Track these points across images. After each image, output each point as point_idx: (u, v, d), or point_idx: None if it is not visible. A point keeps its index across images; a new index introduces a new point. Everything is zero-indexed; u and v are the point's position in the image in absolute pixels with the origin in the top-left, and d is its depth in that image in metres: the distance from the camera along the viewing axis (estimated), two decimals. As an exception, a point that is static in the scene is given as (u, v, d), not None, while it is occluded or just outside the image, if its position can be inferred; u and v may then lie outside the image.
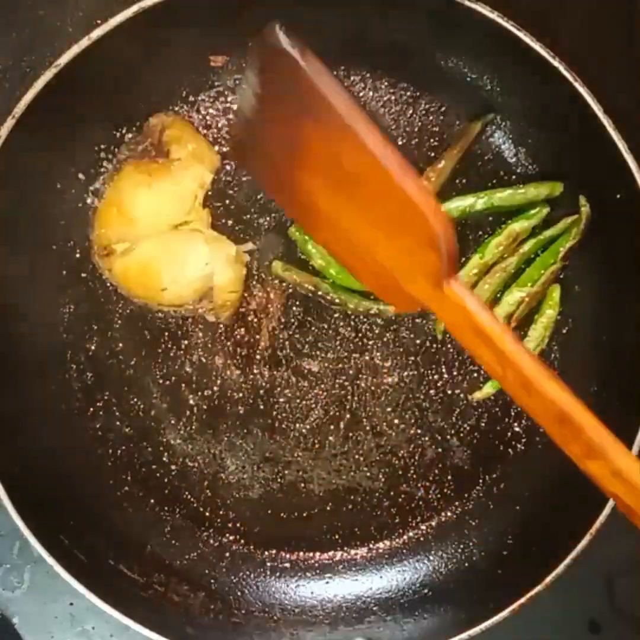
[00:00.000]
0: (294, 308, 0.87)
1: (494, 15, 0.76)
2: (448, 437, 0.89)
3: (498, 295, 0.87)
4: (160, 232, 0.82)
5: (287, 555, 0.89)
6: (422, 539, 0.89)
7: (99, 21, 0.75)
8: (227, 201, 0.86)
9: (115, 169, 0.83)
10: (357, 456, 0.89)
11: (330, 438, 0.88)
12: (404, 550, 0.89)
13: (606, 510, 0.78)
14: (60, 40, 0.76)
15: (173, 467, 0.88)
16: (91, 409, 0.87)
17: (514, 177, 0.87)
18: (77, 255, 0.86)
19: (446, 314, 0.65)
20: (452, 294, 0.64)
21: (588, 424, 0.60)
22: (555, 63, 0.76)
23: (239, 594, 0.88)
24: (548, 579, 0.78)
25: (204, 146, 0.84)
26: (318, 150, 0.66)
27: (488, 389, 0.88)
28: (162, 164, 0.82)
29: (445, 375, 0.88)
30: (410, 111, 0.87)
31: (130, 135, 0.84)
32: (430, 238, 0.63)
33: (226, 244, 0.84)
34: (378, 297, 0.75)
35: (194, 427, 0.88)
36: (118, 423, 0.88)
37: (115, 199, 0.82)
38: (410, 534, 0.89)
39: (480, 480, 0.89)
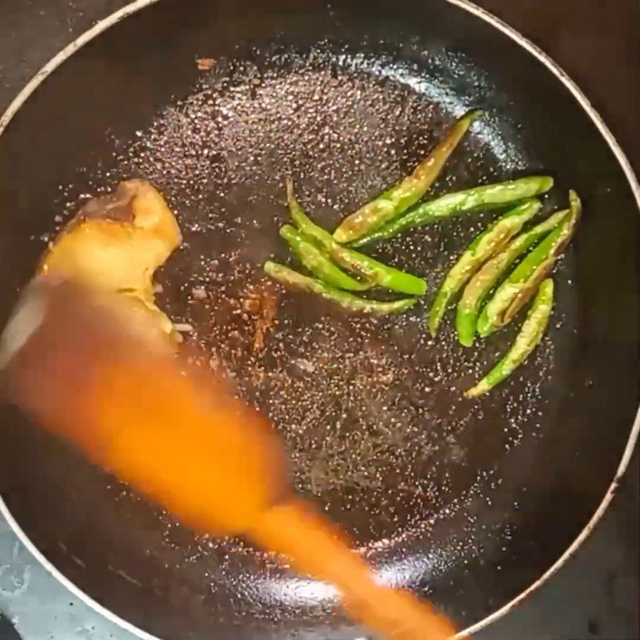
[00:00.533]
0: (288, 309, 0.87)
1: (479, 12, 0.76)
2: (444, 434, 0.89)
3: (491, 291, 0.87)
4: (103, 291, 0.81)
5: (287, 556, 0.89)
6: (421, 537, 0.89)
7: (99, 21, 0.75)
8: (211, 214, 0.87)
9: (79, 219, 0.83)
10: (354, 456, 0.89)
11: (327, 438, 0.88)
12: (403, 549, 0.89)
13: (604, 504, 0.79)
14: (60, 40, 0.76)
15: (171, 470, 0.88)
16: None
17: (503, 173, 0.87)
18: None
19: (273, 533, 0.68)
20: (275, 518, 0.67)
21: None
22: (542, 58, 0.77)
23: (238, 596, 0.88)
24: (547, 574, 0.79)
25: (169, 223, 0.85)
26: (120, 386, 0.64)
27: (483, 386, 0.88)
28: (124, 228, 0.83)
29: (440, 373, 0.88)
30: (399, 109, 0.87)
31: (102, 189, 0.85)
32: (259, 468, 0.67)
33: (163, 320, 0.84)
34: (191, 524, 0.75)
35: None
36: (115, 428, 0.88)
37: (70, 246, 0.82)
38: (409, 532, 0.89)
39: (478, 477, 0.89)
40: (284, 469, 0.69)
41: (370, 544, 0.89)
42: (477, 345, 0.88)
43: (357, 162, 0.87)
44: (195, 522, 0.72)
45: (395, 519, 0.89)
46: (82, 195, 0.85)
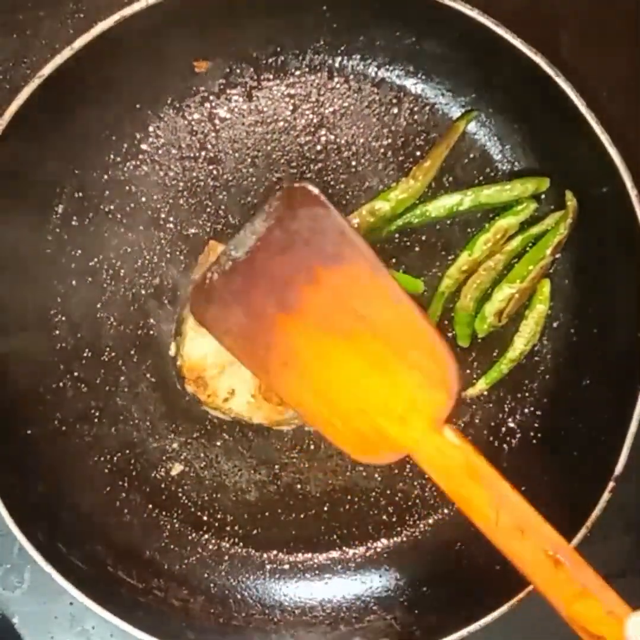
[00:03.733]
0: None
1: (474, 13, 0.76)
2: (443, 434, 0.89)
3: (488, 291, 0.87)
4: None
5: (286, 557, 0.89)
6: (420, 536, 0.89)
7: (99, 22, 0.75)
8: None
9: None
10: (352, 456, 0.89)
11: (326, 439, 0.88)
12: (402, 549, 0.89)
13: (602, 504, 0.78)
14: (60, 41, 0.76)
15: (170, 472, 0.88)
16: (86, 417, 0.88)
17: (500, 173, 0.87)
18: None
19: (437, 458, 0.67)
20: (450, 437, 0.66)
21: (581, 566, 0.62)
22: (537, 59, 0.77)
23: (238, 596, 0.88)
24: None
25: None
26: (320, 292, 0.68)
27: (481, 386, 0.88)
28: None
29: (438, 373, 0.88)
30: (395, 111, 0.87)
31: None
32: (445, 378, 0.66)
33: None
34: (351, 454, 0.74)
35: (189, 431, 0.88)
36: (113, 429, 0.88)
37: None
38: (408, 532, 0.89)
39: (476, 477, 0.89)
40: (457, 386, 0.67)
41: (369, 544, 0.89)
42: (474, 345, 0.88)
43: (353, 163, 0.87)
44: (360, 446, 0.71)
45: (394, 519, 0.89)
46: (77, 195, 0.85)
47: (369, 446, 0.71)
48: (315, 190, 0.69)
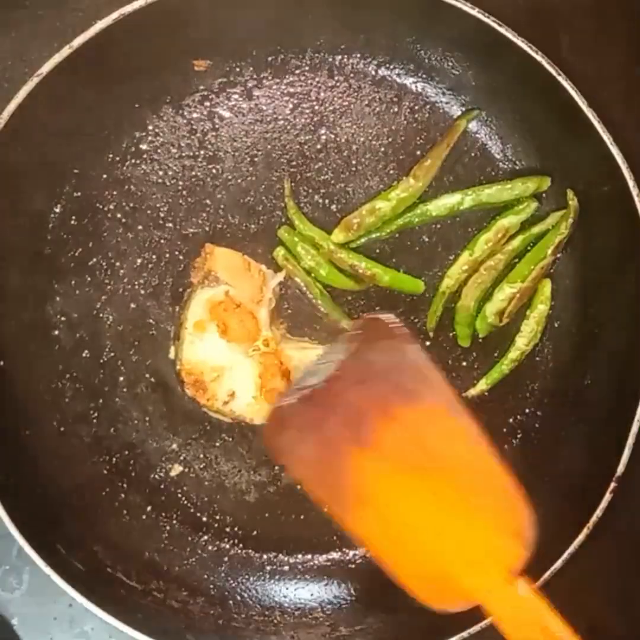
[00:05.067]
0: (286, 306, 0.87)
1: (475, 12, 0.76)
2: (443, 435, 0.88)
3: (489, 291, 0.86)
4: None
5: (286, 558, 0.89)
6: (420, 537, 0.89)
7: (97, 21, 0.75)
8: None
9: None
10: (352, 457, 0.88)
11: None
12: (403, 550, 0.89)
13: (603, 504, 0.78)
14: (59, 40, 0.76)
15: (169, 473, 0.88)
16: (85, 417, 0.87)
17: (501, 172, 0.87)
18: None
19: (510, 611, 0.64)
20: (524, 589, 0.64)
21: None
22: (538, 58, 0.77)
23: (238, 598, 0.88)
24: (547, 574, 0.78)
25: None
26: (395, 429, 0.66)
27: (482, 386, 0.88)
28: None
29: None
30: (395, 109, 0.87)
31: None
32: (520, 528, 0.64)
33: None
34: (417, 595, 0.69)
35: (189, 432, 0.88)
36: (113, 430, 0.88)
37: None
38: (408, 533, 0.89)
39: (477, 477, 0.89)
40: (533, 537, 0.65)
41: (369, 545, 0.89)
42: (475, 345, 0.88)
43: (354, 162, 0.87)
44: (430, 591, 0.68)
45: (395, 520, 0.89)
46: (76, 194, 0.85)
47: (440, 592, 0.68)
48: (397, 322, 0.68)
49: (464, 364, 0.88)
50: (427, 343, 0.88)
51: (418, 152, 0.86)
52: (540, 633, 0.63)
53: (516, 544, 0.65)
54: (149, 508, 0.88)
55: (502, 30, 0.77)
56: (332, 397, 0.68)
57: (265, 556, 0.89)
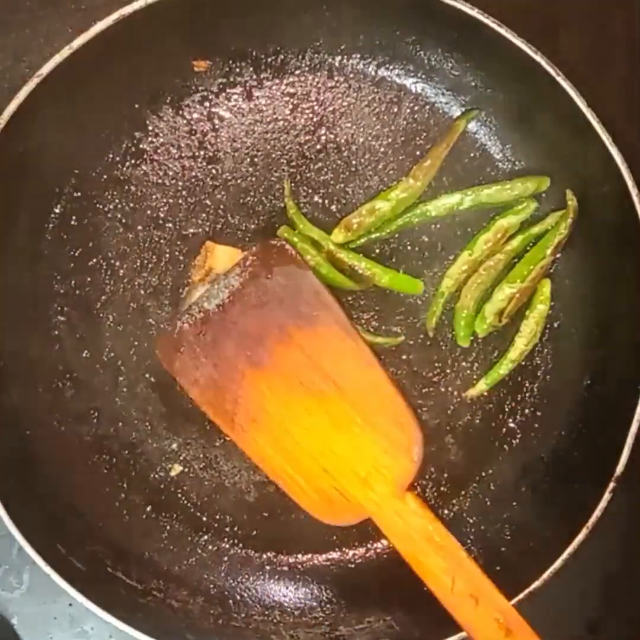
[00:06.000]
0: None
1: (474, 12, 0.76)
2: (443, 435, 0.88)
3: (488, 291, 0.86)
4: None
5: (286, 558, 0.89)
6: (420, 537, 0.89)
7: (98, 21, 0.75)
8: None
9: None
10: (352, 457, 0.89)
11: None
12: (403, 550, 0.89)
13: (602, 504, 0.78)
14: (59, 40, 0.76)
15: (169, 472, 0.88)
16: (85, 417, 0.87)
17: (500, 173, 0.87)
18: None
19: (398, 524, 0.69)
20: (412, 504, 0.69)
21: (530, 637, 0.67)
22: (537, 58, 0.77)
23: (238, 597, 0.88)
24: (546, 574, 0.78)
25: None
26: (291, 351, 0.69)
27: (482, 386, 0.88)
28: None
29: (438, 373, 0.88)
30: (395, 109, 0.87)
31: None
32: (409, 446, 0.69)
33: None
34: (312, 514, 0.76)
35: (188, 432, 0.88)
36: (113, 430, 0.88)
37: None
38: (408, 533, 0.89)
39: (476, 478, 0.89)
40: (420, 454, 0.70)
41: (369, 545, 0.89)
42: (475, 345, 0.88)
43: (353, 162, 0.87)
44: (322, 507, 0.73)
45: (394, 520, 0.89)
46: (76, 194, 0.85)
47: (331, 507, 0.73)
48: (292, 250, 0.70)
49: (464, 364, 0.88)
50: (427, 343, 0.88)
51: (418, 153, 0.86)
52: (427, 544, 0.68)
53: (405, 460, 0.69)
54: (148, 507, 0.88)
55: (502, 30, 0.77)
56: (227, 322, 0.71)
57: (265, 556, 0.89)
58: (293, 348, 0.69)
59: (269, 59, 0.86)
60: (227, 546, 0.89)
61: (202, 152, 0.86)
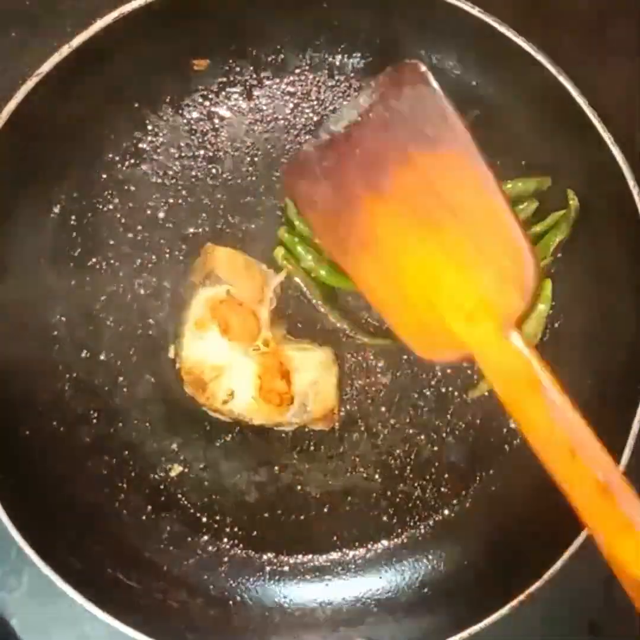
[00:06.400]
0: (287, 306, 0.87)
1: (475, 11, 0.76)
2: (444, 435, 0.88)
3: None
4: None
5: (286, 558, 0.89)
6: (420, 538, 0.89)
7: (97, 20, 0.75)
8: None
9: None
10: (352, 457, 0.88)
11: (325, 440, 0.88)
12: (403, 550, 0.89)
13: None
14: (58, 40, 0.76)
15: (169, 473, 0.88)
16: (85, 417, 0.87)
17: (501, 173, 0.87)
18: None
19: (499, 362, 0.63)
20: (516, 342, 0.62)
21: (631, 498, 0.57)
22: (539, 57, 0.76)
23: (238, 598, 0.88)
24: (547, 575, 0.78)
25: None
26: (411, 177, 0.66)
27: (483, 387, 0.87)
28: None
29: (439, 374, 0.88)
30: (396, 109, 0.86)
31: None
32: (521, 279, 0.63)
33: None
34: (413, 347, 0.70)
35: (188, 432, 0.88)
36: (113, 430, 0.87)
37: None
38: (409, 533, 0.89)
39: (477, 478, 0.89)
40: (534, 291, 0.63)
41: (369, 545, 0.89)
42: (475, 345, 0.88)
43: (354, 162, 0.86)
44: (423, 340, 0.69)
45: (395, 520, 0.89)
46: (75, 194, 0.85)
47: (432, 341, 0.68)
48: (424, 68, 0.66)
49: (465, 365, 0.88)
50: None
51: (418, 152, 0.86)
52: (529, 386, 0.61)
53: (515, 295, 0.63)
54: (148, 508, 0.88)
55: (503, 29, 0.76)
56: (351, 144, 0.68)
57: (265, 556, 0.89)
58: (413, 172, 0.66)
59: (269, 58, 0.85)
60: (227, 547, 0.89)
61: (201, 152, 0.86)
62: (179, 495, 0.88)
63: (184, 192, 0.86)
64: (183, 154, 0.86)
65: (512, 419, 0.65)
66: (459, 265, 0.65)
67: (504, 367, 0.63)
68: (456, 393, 0.88)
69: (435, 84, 0.66)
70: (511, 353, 0.62)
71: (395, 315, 0.70)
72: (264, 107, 0.86)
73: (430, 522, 0.89)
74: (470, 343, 0.64)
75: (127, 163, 0.86)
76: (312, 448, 0.88)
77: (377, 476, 0.89)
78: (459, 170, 0.65)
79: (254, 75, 0.86)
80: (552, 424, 0.60)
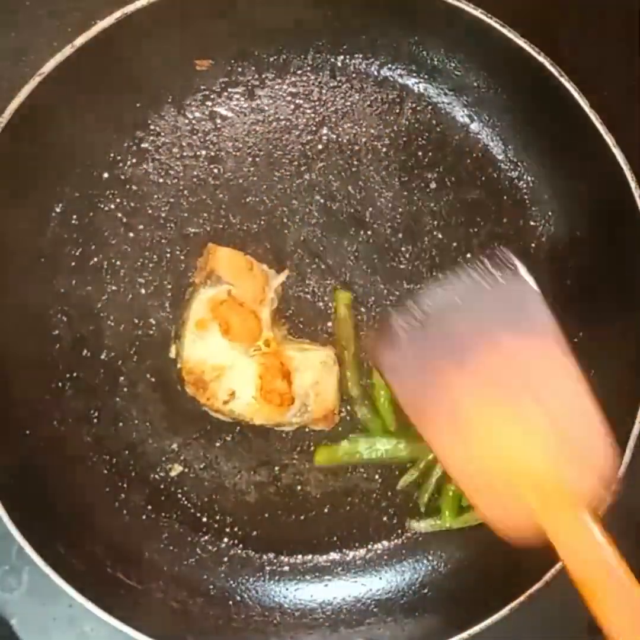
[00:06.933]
0: (288, 306, 0.87)
1: (477, 12, 0.76)
2: (444, 435, 0.88)
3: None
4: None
5: (286, 559, 0.89)
6: (420, 538, 0.89)
7: (99, 20, 0.75)
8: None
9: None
10: (353, 457, 0.88)
11: (325, 440, 0.88)
12: (403, 551, 0.89)
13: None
14: (59, 40, 0.76)
15: (169, 473, 0.88)
16: (85, 417, 0.87)
17: (502, 173, 0.87)
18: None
19: (575, 547, 0.65)
20: (594, 526, 0.65)
21: None
22: (540, 59, 0.77)
23: (238, 598, 0.87)
24: (547, 576, 0.78)
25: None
26: (497, 357, 0.69)
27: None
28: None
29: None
30: (397, 110, 0.87)
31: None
32: (601, 468, 0.66)
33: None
34: (488, 521, 0.72)
35: (189, 432, 0.88)
36: (113, 430, 0.87)
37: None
38: (409, 534, 0.89)
39: (477, 478, 0.89)
40: (613, 480, 0.67)
41: (369, 546, 0.89)
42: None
43: (355, 162, 0.87)
44: (498, 514, 0.71)
45: (395, 521, 0.89)
46: (77, 194, 0.85)
47: (508, 518, 0.70)
48: (517, 262, 0.69)
49: (465, 365, 0.88)
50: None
51: (419, 153, 0.87)
52: (606, 574, 0.63)
53: (593, 481, 0.66)
54: (149, 508, 0.88)
55: (504, 30, 0.77)
56: (443, 325, 0.71)
57: (265, 556, 0.89)
58: (500, 353, 0.69)
59: (271, 59, 0.86)
60: (227, 547, 0.89)
61: (203, 152, 0.86)
62: (179, 495, 0.88)
63: (185, 192, 0.86)
64: (185, 154, 0.86)
65: (586, 598, 0.65)
66: (538, 446, 0.68)
67: (579, 555, 0.65)
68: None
69: (527, 276, 0.69)
70: (586, 538, 0.65)
71: (472, 488, 0.72)
72: (266, 107, 0.86)
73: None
74: (548, 523, 0.66)
75: (129, 162, 0.86)
76: (312, 448, 0.88)
77: (377, 476, 0.89)
78: (546, 356, 0.68)
79: (256, 76, 0.86)
80: (619, 606, 0.63)
